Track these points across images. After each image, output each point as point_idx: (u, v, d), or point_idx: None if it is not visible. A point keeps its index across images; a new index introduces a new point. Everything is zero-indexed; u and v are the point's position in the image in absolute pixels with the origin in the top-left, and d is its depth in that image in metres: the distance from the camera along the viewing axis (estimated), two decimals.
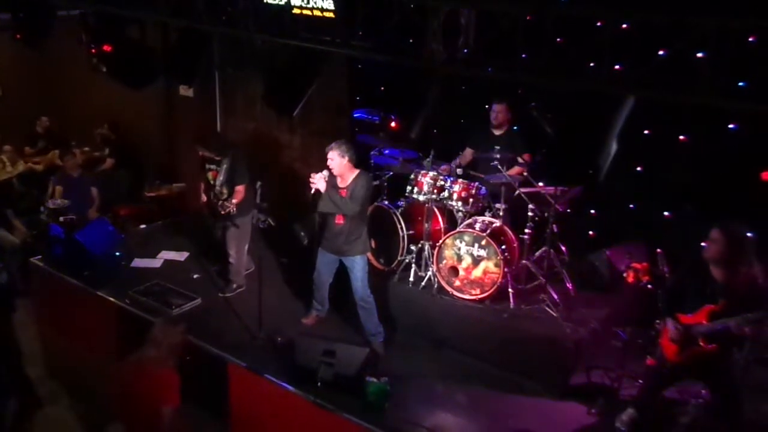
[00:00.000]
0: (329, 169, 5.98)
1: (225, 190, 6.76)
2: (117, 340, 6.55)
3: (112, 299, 6.82)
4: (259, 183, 6.78)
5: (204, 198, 7.11)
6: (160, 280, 7.22)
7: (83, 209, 8.52)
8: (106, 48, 7.67)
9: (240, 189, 6.73)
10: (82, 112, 10.99)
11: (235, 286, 7.10)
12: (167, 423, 4.30)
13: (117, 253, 7.55)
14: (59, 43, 9.07)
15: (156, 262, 7.72)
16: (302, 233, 7.22)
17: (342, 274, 6.28)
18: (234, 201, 6.63)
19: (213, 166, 6.89)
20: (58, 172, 9.07)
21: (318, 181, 5.94)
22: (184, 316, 6.53)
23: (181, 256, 7.90)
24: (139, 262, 7.67)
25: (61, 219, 8.12)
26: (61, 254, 7.34)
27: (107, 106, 10.41)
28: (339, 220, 6.02)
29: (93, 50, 7.85)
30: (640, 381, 5.51)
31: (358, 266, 6.11)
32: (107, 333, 6.77)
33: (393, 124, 7.17)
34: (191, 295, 6.91)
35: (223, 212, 6.69)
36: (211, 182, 6.89)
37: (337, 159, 5.89)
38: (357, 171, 6.02)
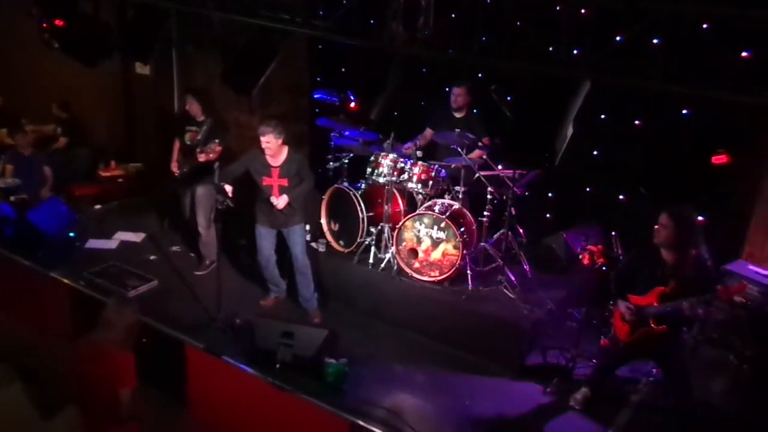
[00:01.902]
0: (261, 150, 6.04)
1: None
2: (71, 323, 6.43)
3: (66, 281, 6.69)
4: (217, 163, 6.70)
5: (176, 160, 7.09)
6: (116, 261, 7.12)
7: (35, 189, 8.29)
8: (58, 23, 7.41)
9: (220, 149, 6.76)
10: (34, 89, 10.64)
11: (208, 262, 7.08)
12: (125, 405, 4.24)
13: (71, 234, 7.40)
14: (8, 17, 8.76)
15: (111, 243, 7.60)
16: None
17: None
18: (214, 154, 6.66)
19: (193, 128, 6.92)
20: (8, 150, 8.80)
21: (281, 203, 6.05)
22: (140, 297, 6.46)
23: (137, 237, 7.79)
24: (93, 243, 7.54)
25: (12, 198, 7.91)
26: (12, 235, 7.15)
27: (61, 83, 10.10)
28: (276, 194, 6.09)
29: (44, 25, 7.59)
30: (594, 360, 5.66)
31: (297, 235, 6.27)
32: (61, 315, 6.64)
33: (352, 104, 7.14)
34: (148, 277, 6.84)
35: (202, 158, 6.67)
36: (188, 143, 6.91)
37: (274, 141, 5.98)
38: (286, 147, 6.13)
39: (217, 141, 6.74)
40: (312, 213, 6.98)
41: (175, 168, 7.11)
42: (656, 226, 4.71)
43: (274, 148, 6.01)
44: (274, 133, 5.96)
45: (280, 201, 6.05)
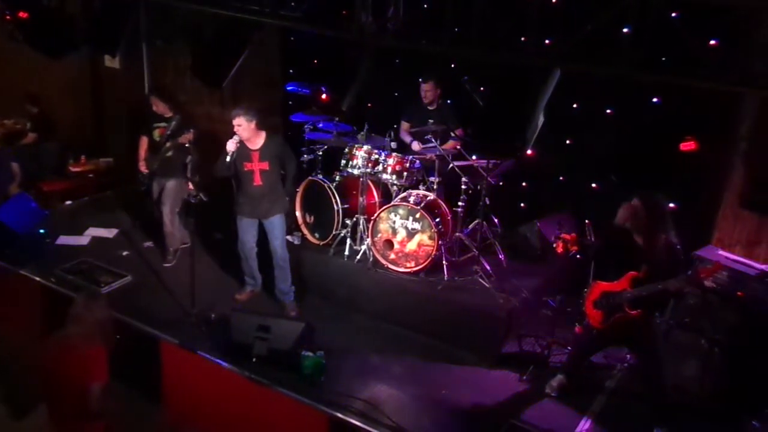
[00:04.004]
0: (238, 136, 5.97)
1: (172, 144, 6.75)
2: (43, 321, 6.33)
3: (37, 278, 6.59)
4: (189, 157, 6.66)
5: (144, 158, 7.02)
6: (88, 257, 7.02)
7: (3, 185, 8.14)
8: (22, 15, 7.27)
9: (191, 136, 6.78)
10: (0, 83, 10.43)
11: (172, 250, 7.04)
12: (95, 399, 4.20)
13: (41, 230, 7.29)
14: None
15: (83, 239, 7.51)
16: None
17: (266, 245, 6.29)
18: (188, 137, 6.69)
19: (162, 124, 6.85)
20: None
21: (230, 147, 5.92)
22: (113, 293, 6.39)
23: (109, 232, 7.70)
24: (65, 240, 7.44)
25: None
26: None
27: (28, 77, 9.90)
28: (257, 181, 6.05)
29: (8, 17, 7.45)
30: (569, 348, 5.70)
31: (278, 226, 6.20)
32: (32, 313, 6.53)
33: (324, 96, 7.10)
34: (121, 273, 6.76)
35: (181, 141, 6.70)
36: (157, 139, 6.84)
37: (245, 124, 5.89)
38: (263, 132, 6.06)
39: (192, 130, 6.75)
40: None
41: (143, 167, 7.05)
42: (624, 206, 4.74)
43: (245, 131, 5.91)
44: (246, 116, 5.87)
45: (230, 143, 5.90)
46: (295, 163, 6.29)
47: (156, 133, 6.89)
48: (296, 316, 6.19)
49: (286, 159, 6.19)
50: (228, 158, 5.94)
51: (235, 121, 5.89)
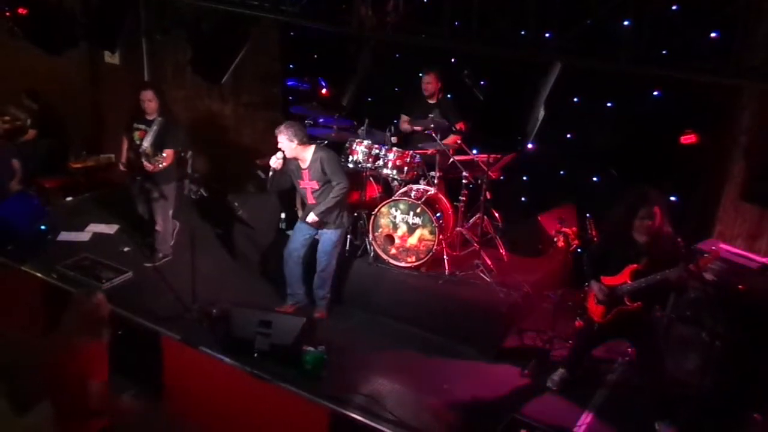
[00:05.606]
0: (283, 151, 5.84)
1: (150, 152, 6.54)
2: (44, 317, 6.34)
3: (38, 274, 6.59)
4: (189, 153, 6.64)
5: (125, 159, 6.95)
6: (89, 253, 7.02)
7: (4, 182, 8.13)
8: (22, 11, 7.27)
9: (170, 153, 6.59)
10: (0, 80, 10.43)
11: (161, 255, 7.00)
12: (94, 397, 4.20)
13: (42, 227, 7.29)
14: None
15: (84, 236, 7.50)
16: (236, 204, 7.11)
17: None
18: (164, 163, 6.51)
19: (142, 126, 6.69)
20: None
21: (273, 163, 5.82)
22: (115, 289, 6.39)
23: (110, 228, 7.70)
24: (66, 236, 7.43)
25: None
26: None
27: (28, 73, 9.91)
28: (310, 200, 5.98)
29: (7, 13, 7.44)
30: (570, 342, 5.71)
31: (328, 240, 6.05)
32: (33, 309, 6.54)
33: (324, 91, 7.08)
34: (122, 269, 6.76)
35: (149, 169, 6.52)
36: (137, 142, 6.68)
37: (286, 143, 5.75)
38: (312, 147, 5.90)
39: (163, 155, 6.53)
40: (286, 201, 6.95)
41: (124, 167, 6.96)
42: (648, 222, 4.69)
43: (288, 151, 5.76)
44: (287, 134, 5.70)
45: (273, 159, 5.78)
46: (342, 185, 5.86)
47: (136, 135, 6.70)
48: (321, 318, 6.15)
49: (332, 178, 5.86)
50: (269, 173, 5.84)
51: (278, 138, 5.76)
